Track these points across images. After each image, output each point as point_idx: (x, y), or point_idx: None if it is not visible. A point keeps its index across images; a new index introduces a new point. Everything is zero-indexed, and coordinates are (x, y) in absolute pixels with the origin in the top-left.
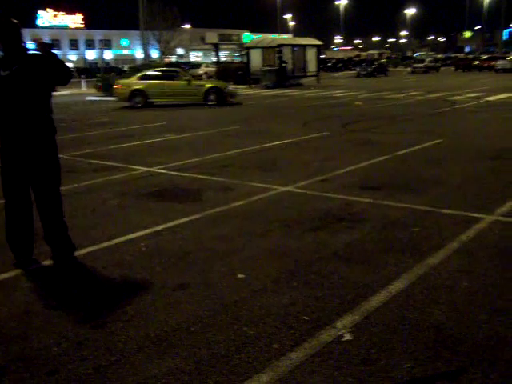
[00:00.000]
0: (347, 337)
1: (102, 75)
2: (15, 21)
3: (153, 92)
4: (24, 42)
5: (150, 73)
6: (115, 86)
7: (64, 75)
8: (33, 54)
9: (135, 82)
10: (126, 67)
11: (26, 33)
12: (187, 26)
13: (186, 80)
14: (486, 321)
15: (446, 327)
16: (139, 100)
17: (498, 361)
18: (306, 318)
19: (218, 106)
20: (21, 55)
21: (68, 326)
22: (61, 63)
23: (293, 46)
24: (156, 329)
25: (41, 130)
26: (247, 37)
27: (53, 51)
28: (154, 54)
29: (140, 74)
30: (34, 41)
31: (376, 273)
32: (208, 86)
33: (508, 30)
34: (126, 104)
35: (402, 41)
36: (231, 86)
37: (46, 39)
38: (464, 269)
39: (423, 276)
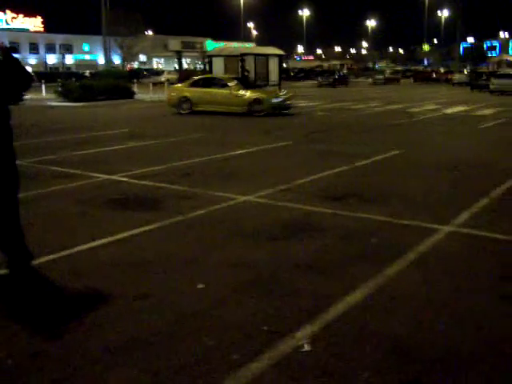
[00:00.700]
0: (306, 347)
1: (62, 81)
2: None
3: (198, 100)
4: None
5: (198, 80)
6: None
7: (24, 81)
8: None
9: (185, 89)
10: (87, 73)
11: None
12: (150, 33)
13: (229, 89)
14: (442, 331)
15: (403, 337)
16: (186, 107)
17: (452, 371)
18: (265, 328)
19: (264, 116)
20: None
21: (23, 338)
22: (21, 68)
23: (255, 55)
24: (114, 340)
25: None
26: (211, 44)
27: (14, 55)
28: (116, 59)
29: (190, 81)
30: None
31: (336, 283)
32: (253, 96)
33: (464, 44)
34: (175, 110)
35: (363, 52)
36: None
37: (6, 43)
38: (422, 279)
39: (382, 286)
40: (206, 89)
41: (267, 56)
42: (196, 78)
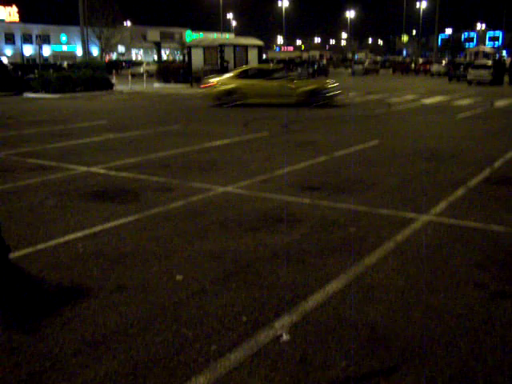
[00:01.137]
0: (285, 337)
1: (39, 72)
2: None
3: (246, 91)
4: None
5: (245, 71)
6: (206, 85)
7: None
8: None
9: (228, 81)
10: (65, 64)
11: None
12: (128, 24)
13: (282, 80)
14: (418, 319)
15: (380, 326)
16: (229, 99)
17: (429, 357)
18: (244, 318)
19: (320, 107)
20: None
21: (0, 331)
22: None
23: (234, 46)
24: (93, 332)
25: None
26: (190, 35)
27: None
28: (95, 50)
29: (234, 73)
30: None
31: (314, 273)
32: (308, 88)
33: (442, 35)
34: (217, 102)
35: (342, 43)
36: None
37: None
38: (399, 268)
39: (360, 276)
40: (255, 80)
41: (246, 47)
42: (243, 68)
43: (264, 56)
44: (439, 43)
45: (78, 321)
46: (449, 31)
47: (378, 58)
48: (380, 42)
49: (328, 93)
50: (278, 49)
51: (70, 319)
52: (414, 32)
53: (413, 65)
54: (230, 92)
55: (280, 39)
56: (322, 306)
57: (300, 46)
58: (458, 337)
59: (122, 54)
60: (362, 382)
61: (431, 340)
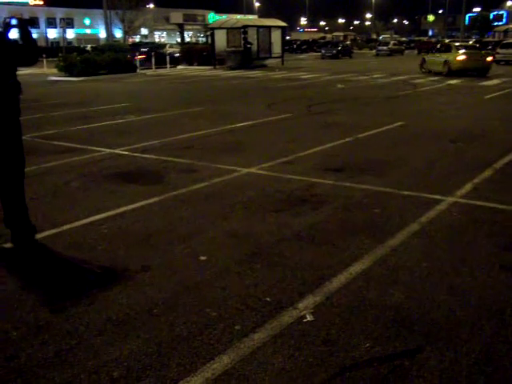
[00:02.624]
0: (308, 317)
1: (63, 55)
2: None
3: None
4: None
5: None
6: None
7: (29, 56)
8: None
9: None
10: (88, 47)
11: None
12: (151, 6)
13: None
14: (443, 301)
15: (404, 307)
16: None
17: (453, 339)
18: (268, 299)
19: None
20: None
21: (28, 310)
22: (29, 43)
23: (258, 27)
24: (118, 312)
25: (1, 110)
26: (212, 17)
27: (29, 29)
28: (118, 33)
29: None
30: (15, 17)
31: (338, 254)
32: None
33: (470, 14)
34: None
35: (366, 23)
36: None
37: (26, 16)
38: (423, 250)
39: (384, 257)
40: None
41: (270, 28)
42: None
43: (288, 37)
44: (466, 22)
45: (103, 300)
46: (477, 9)
47: (404, 39)
48: (405, 22)
49: None
50: (301, 30)
51: (94, 299)
52: (441, 11)
53: (438, 45)
54: None
55: (303, 20)
56: (345, 287)
57: (324, 27)
58: (484, 319)
59: (145, 37)
60: (386, 362)
61: (456, 322)
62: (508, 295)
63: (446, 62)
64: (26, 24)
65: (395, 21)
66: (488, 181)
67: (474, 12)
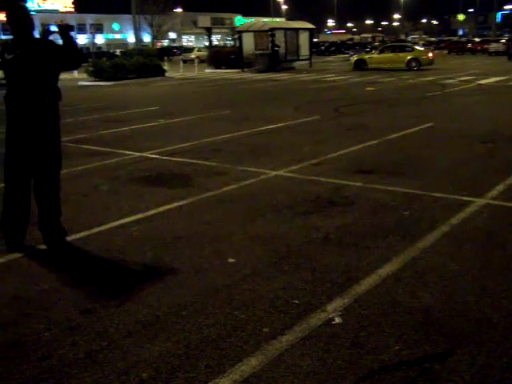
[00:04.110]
0: (337, 320)
1: (93, 60)
2: (22, 4)
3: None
4: (31, 27)
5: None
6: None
7: (72, 60)
8: (37, 38)
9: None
10: (117, 52)
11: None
12: (179, 10)
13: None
14: (473, 303)
15: (434, 310)
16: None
17: (484, 343)
18: (296, 301)
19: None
20: (26, 39)
21: (59, 312)
22: (71, 48)
23: (285, 29)
24: (147, 314)
25: (42, 115)
26: (239, 20)
27: (70, 34)
28: (146, 38)
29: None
30: (55, 23)
31: (366, 256)
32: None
33: (501, 12)
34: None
35: (395, 24)
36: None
37: (71, 22)
38: (453, 252)
39: (413, 259)
40: None
41: (297, 30)
42: None
43: (315, 39)
44: (499, 20)
45: (132, 302)
46: (509, 7)
47: (433, 39)
48: (434, 22)
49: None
50: (329, 32)
51: (124, 301)
52: (471, 10)
53: (469, 44)
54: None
55: (331, 22)
56: (374, 289)
57: (351, 28)
58: None
59: (173, 41)
60: (416, 365)
61: (488, 325)
62: None
63: None
64: (66, 29)
65: (424, 21)
66: None
67: (507, 10)
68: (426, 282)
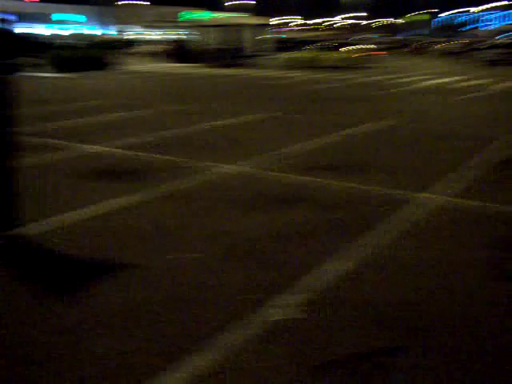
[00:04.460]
0: (290, 315)
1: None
2: None
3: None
4: None
5: None
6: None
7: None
8: None
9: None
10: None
11: None
12: (146, 3)
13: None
14: (429, 299)
15: (386, 306)
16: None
17: (439, 337)
18: (250, 296)
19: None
20: None
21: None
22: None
23: (247, 25)
24: (105, 311)
25: None
26: (183, 16)
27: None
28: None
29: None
30: None
31: (320, 252)
32: None
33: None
34: None
35: (363, 22)
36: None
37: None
38: (410, 248)
39: (366, 255)
40: None
41: (259, 26)
42: None
43: (283, 36)
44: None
45: (92, 299)
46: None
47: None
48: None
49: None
50: (295, 29)
51: (83, 297)
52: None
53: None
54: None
55: (299, 19)
56: (327, 284)
57: (319, 25)
58: (472, 317)
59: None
60: (366, 359)
61: (444, 320)
62: (496, 292)
63: None
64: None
65: (383, 20)
66: (476, 180)
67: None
68: (377, 279)
